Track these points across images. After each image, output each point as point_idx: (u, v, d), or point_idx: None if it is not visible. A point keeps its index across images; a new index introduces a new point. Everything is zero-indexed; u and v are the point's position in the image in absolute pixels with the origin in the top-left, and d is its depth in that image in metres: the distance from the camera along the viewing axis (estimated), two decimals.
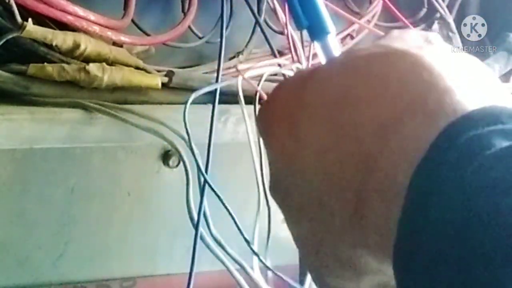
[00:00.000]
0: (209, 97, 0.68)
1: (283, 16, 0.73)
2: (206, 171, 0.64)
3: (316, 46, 0.34)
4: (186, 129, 0.61)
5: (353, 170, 0.25)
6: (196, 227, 0.63)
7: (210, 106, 0.67)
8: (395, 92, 0.25)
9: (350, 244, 0.26)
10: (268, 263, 0.64)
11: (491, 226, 0.19)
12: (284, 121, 0.28)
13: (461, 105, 0.24)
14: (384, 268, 0.25)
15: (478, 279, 0.19)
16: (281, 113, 0.28)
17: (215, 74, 0.72)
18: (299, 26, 0.34)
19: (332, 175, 0.25)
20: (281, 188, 0.28)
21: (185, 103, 0.62)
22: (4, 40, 0.63)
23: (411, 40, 0.28)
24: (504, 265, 0.19)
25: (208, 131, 0.65)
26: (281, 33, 0.82)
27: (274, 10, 0.74)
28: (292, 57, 0.71)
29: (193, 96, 0.63)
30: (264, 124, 0.30)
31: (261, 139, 0.31)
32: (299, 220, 0.28)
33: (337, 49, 0.34)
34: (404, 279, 0.22)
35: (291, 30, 0.72)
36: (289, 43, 0.71)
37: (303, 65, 0.70)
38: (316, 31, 0.34)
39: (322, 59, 0.34)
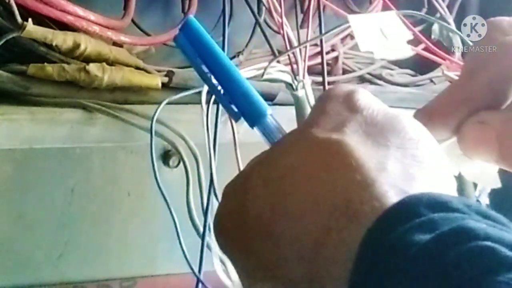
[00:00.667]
0: (209, 98, 0.68)
1: (278, 18, 0.73)
2: (211, 171, 0.64)
3: (257, 131, 0.32)
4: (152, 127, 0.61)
5: (296, 277, 0.26)
6: (203, 229, 0.63)
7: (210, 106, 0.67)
8: (320, 199, 0.26)
9: None
10: None
11: None
12: (234, 240, 0.29)
13: (379, 201, 0.24)
14: None
15: None
16: (229, 230, 0.29)
17: None
18: (234, 118, 0.33)
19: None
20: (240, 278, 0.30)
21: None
22: (4, 40, 0.63)
23: (333, 113, 0.29)
24: None
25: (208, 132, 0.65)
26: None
27: (269, 10, 0.74)
28: (289, 57, 0.71)
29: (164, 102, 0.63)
30: (218, 240, 0.30)
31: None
32: None
33: (277, 128, 0.32)
34: None
35: (287, 30, 0.72)
36: (285, 43, 0.71)
37: (300, 65, 0.70)
38: (252, 118, 0.32)
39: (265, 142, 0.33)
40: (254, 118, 0.32)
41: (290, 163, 0.27)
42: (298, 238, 0.26)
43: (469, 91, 0.34)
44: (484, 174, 0.36)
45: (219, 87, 0.33)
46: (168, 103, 0.66)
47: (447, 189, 0.27)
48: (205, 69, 0.33)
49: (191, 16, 0.34)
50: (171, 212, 0.64)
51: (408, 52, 0.54)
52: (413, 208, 0.24)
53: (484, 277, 0.20)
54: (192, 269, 0.64)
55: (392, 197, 0.25)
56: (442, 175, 0.28)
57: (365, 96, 0.30)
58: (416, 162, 0.27)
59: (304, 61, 0.71)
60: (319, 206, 0.26)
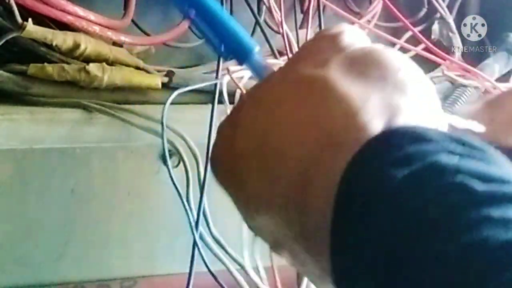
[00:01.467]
0: (209, 97, 0.68)
1: (278, 17, 0.73)
2: (205, 171, 0.64)
3: (247, 68, 0.34)
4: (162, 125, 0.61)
5: (284, 202, 0.27)
6: (196, 226, 0.63)
7: (210, 106, 0.67)
8: (304, 132, 0.26)
9: (287, 241, 0.28)
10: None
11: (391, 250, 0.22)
12: (227, 172, 0.30)
13: (362, 131, 0.25)
14: (319, 269, 0.27)
15: None
16: (221, 163, 0.31)
17: (215, 74, 0.72)
18: (222, 56, 0.34)
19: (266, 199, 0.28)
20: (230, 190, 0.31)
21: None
22: (4, 40, 0.63)
23: (317, 51, 0.30)
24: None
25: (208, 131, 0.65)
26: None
27: (269, 10, 0.74)
28: (288, 57, 0.71)
29: (175, 94, 0.63)
30: (213, 173, 0.32)
31: None
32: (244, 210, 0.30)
33: (265, 64, 0.34)
34: None
35: (286, 29, 0.72)
36: (284, 43, 0.71)
37: None
38: (240, 56, 0.33)
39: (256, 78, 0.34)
40: (242, 56, 0.33)
41: (275, 99, 0.28)
42: (284, 172, 0.27)
43: None
44: None
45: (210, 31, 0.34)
46: (169, 103, 0.66)
47: (430, 114, 0.28)
48: (194, 14, 0.34)
49: None
50: (184, 205, 0.64)
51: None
52: (390, 142, 0.24)
53: (453, 216, 0.21)
54: (208, 268, 0.64)
55: (374, 127, 0.25)
56: (426, 99, 0.28)
57: (349, 36, 0.30)
58: (398, 90, 0.27)
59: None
60: (303, 139, 0.26)
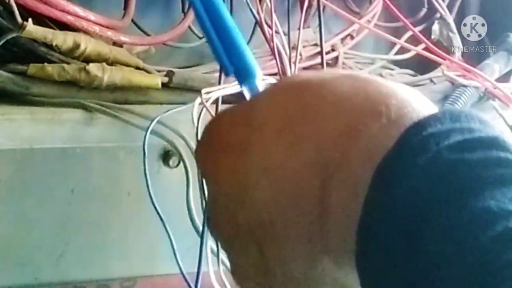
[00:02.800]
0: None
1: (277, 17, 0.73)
2: None
3: (244, 90, 0.33)
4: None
5: (312, 178, 0.24)
6: (202, 229, 0.63)
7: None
8: (354, 103, 0.25)
9: (306, 257, 0.25)
10: None
11: (438, 207, 0.21)
12: (231, 147, 0.27)
13: (422, 111, 0.25)
14: (341, 274, 0.25)
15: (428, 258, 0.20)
16: (226, 139, 0.27)
17: (215, 74, 0.72)
18: (225, 72, 0.33)
19: (286, 190, 0.25)
20: (225, 219, 0.27)
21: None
22: (4, 40, 0.63)
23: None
24: (452, 240, 0.20)
25: None
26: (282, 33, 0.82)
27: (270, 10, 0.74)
28: (277, 63, 0.71)
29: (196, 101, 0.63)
30: (207, 154, 0.28)
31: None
32: (246, 247, 0.27)
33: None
34: (366, 267, 0.22)
35: (276, 40, 0.72)
36: (273, 51, 0.71)
37: (288, 72, 0.70)
38: (243, 75, 0.33)
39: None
40: (244, 77, 0.33)
41: (322, 78, 0.27)
42: (321, 134, 0.25)
43: None
44: None
45: (217, 42, 0.33)
46: (169, 103, 0.67)
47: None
48: (208, 23, 0.33)
49: None
50: (158, 213, 0.65)
51: None
52: (456, 115, 0.24)
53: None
54: (181, 270, 0.64)
55: (432, 111, 0.25)
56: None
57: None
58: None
59: (295, 63, 0.71)
60: (356, 109, 0.25)
